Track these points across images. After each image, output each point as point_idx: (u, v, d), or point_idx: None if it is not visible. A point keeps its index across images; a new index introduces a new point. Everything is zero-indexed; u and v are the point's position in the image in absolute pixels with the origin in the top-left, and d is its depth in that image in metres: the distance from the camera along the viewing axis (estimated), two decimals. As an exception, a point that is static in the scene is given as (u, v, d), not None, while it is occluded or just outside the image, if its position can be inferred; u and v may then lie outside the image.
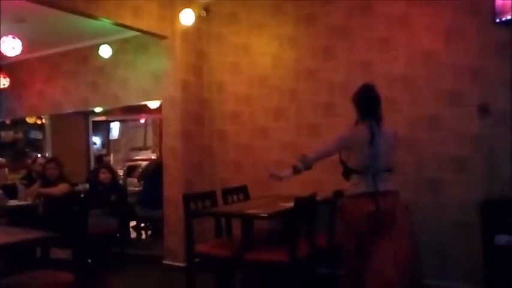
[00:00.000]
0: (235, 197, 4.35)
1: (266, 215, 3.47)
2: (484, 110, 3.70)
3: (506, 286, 3.25)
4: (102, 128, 9.49)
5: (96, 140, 9.06)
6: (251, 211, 3.58)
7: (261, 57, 4.96)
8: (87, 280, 2.94)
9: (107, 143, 9.75)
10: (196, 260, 3.77)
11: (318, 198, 3.69)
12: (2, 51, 5.11)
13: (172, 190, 4.93)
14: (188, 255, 3.77)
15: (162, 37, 5.07)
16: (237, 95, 5.11)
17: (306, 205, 3.50)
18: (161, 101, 5.35)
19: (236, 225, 3.93)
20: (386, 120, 4.09)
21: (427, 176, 3.97)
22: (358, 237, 2.91)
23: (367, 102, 2.93)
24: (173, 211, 4.84)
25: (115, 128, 10.01)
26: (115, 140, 10.00)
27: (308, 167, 2.95)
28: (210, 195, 4.16)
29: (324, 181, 4.41)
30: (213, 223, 4.12)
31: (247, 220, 3.68)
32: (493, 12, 3.58)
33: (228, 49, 5.18)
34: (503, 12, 3.54)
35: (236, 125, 5.10)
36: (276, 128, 4.82)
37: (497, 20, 3.57)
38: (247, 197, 4.51)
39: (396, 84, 4.12)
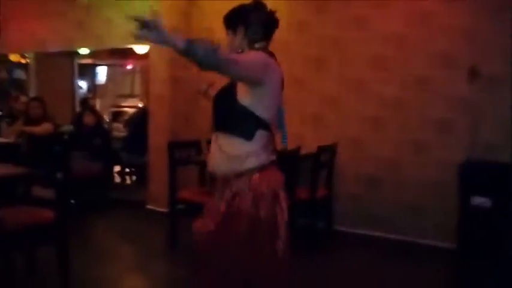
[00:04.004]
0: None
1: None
2: (474, 74, 3.69)
3: (478, 245, 3.38)
4: (89, 71, 9.29)
5: (82, 83, 8.89)
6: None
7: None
8: (67, 219, 2.95)
9: (93, 87, 9.59)
10: (179, 206, 3.82)
11: (302, 152, 3.72)
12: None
13: (158, 137, 4.91)
14: (171, 201, 3.81)
15: (151, -23, 4.86)
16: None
17: (289, 159, 3.52)
18: (149, 45, 5.20)
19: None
20: (375, 79, 4.15)
21: (410, 136, 4.02)
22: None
23: (272, 24, 1.90)
24: (158, 158, 4.84)
25: (102, 72, 9.81)
26: (101, 85, 9.84)
27: (210, 61, 1.50)
28: (195, 144, 4.15)
29: (308, 135, 4.43)
30: (197, 171, 4.14)
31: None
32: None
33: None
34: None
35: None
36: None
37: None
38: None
39: (390, 42, 4.06)
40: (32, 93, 6.61)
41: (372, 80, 4.16)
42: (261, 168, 1.78)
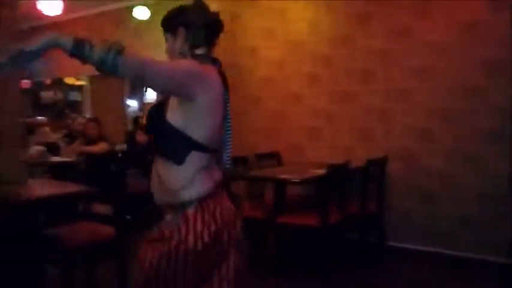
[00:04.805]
0: (267, 163, 4.40)
1: (299, 180, 3.51)
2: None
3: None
4: (139, 91, 9.63)
5: (133, 103, 9.23)
6: (284, 176, 3.62)
7: (296, 22, 4.86)
8: (125, 234, 3.07)
9: (142, 106, 9.93)
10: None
11: (351, 166, 3.70)
12: (42, 10, 5.19)
13: (206, 153, 5.01)
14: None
15: (197, -1, 5.02)
16: (270, 60, 5.05)
17: (339, 172, 3.51)
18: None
19: (268, 190, 4.00)
20: (422, 89, 4.06)
21: (461, 147, 3.89)
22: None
23: (216, 27, 1.66)
24: (207, 174, 4.94)
25: (150, 91, 10.13)
26: (150, 103, 10.16)
27: (111, 65, 1.26)
28: (243, 160, 4.22)
29: (356, 148, 4.39)
30: (244, 187, 4.19)
31: (281, 185, 3.74)
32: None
33: (262, 13, 5.09)
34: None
35: (269, 91, 5.07)
36: (309, 94, 4.78)
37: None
38: (279, 163, 4.55)
39: (435, 51, 3.99)
40: (87, 114, 6.96)
41: (419, 90, 4.08)
42: (199, 201, 1.48)
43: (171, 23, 1.63)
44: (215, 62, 1.63)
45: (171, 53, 1.64)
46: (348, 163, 3.65)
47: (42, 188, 3.17)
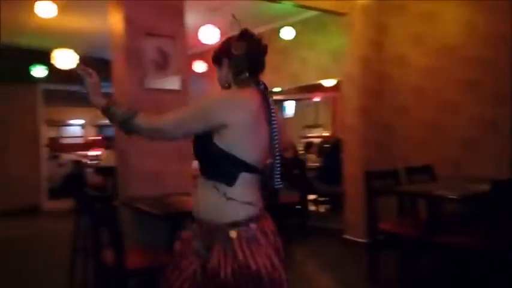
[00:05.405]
0: (419, 177, 4.16)
1: (457, 197, 3.24)
2: None
3: None
4: (278, 106, 10.04)
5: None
6: (440, 192, 3.39)
7: (448, 25, 4.54)
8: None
9: (283, 121, 10.28)
10: (379, 237, 3.77)
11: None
12: (201, 40, 5.76)
13: (352, 167, 4.97)
14: (371, 232, 3.79)
15: (341, 14, 5.07)
16: (420, 67, 4.80)
17: (506, 188, 3.15)
18: (339, 78, 5.39)
19: (420, 206, 3.78)
20: None
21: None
22: None
23: (257, 53, 1.75)
24: (353, 187, 4.89)
25: (289, 106, 10.51)
26: (289, 118, 10.51)
27: (128, 128, 1.63)
28: (393, 173, 4.06)
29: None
30: (392, 202, 4.02)
31: (435, 201, 3.50)
32: None
33: (411, 19, 4.89)
34: None
35: (420, 101, 4.81)
36: (466, 102, 4.39)
37: None
38: (432, 177, 4.26)
39: None
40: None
41: None
42: (249, 220, 1.59)
43: (216, 55, 1.78)
44: (259, 84, 1.72)
45: (219, 82, 1.78)
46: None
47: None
